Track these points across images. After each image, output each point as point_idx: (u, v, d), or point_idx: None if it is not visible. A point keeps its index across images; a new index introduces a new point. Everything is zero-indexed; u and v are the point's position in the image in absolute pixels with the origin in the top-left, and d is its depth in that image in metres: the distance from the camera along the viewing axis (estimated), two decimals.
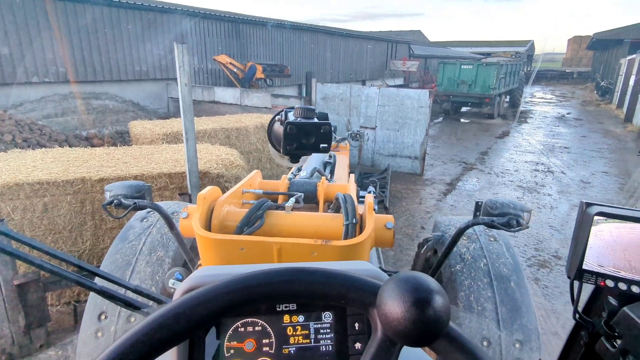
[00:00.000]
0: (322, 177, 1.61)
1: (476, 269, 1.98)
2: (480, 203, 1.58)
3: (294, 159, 1.31)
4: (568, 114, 19.33)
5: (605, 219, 0.80)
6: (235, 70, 11.79)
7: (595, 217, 0.81)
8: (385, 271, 2.24)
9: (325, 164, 2.39)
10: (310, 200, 1.47)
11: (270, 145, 1.45)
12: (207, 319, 0.44)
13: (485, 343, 1.70)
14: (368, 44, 22.39)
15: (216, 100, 9.62)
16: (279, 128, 1.26)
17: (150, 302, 1.12)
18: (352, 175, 1.64)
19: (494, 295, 1.86)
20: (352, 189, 1.39)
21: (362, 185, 6.61)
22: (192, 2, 11.94)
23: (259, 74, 12.01)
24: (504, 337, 1.72)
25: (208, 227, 1.21)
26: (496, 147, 11.91)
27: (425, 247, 2.55)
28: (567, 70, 44.94)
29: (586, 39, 48.51)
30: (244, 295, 0.46)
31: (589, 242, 0.82)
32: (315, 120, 1.22)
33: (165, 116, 9.93)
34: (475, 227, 2.23)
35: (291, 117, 1.25)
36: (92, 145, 7.53)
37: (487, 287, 1.89)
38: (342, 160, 2.98)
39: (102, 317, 1.74)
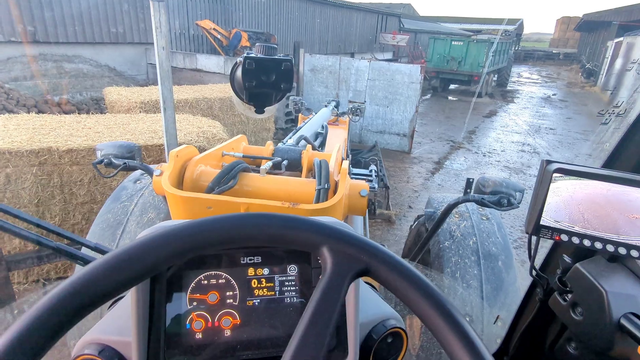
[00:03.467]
0: (308, 145, 1.56)
1: (465, 246, 1.99)
2: (471, 180, 1.58)
3: (259, 107, 1.28)
4: (554, 95, 19.39)
5: (563, 177, 0.83)
6: (219, 36, 11.22)
7: (554, 175, 0.83)
8: None
9: (317, 135, 2.30)
10: (294, 167, 1.43)
11: (234, 95, 1.39)
12: (149, 269, 0.43)
13: (467, 319, 1.67)
14: (358, 15, 21.71)
15: (199, 68, 9.13)
16: (241, 75, 1.22)
17: None
18: (339, 146, 1.60)
19: (480, 273, 1.87)
20: (334, 158, 1.34)
21: (353, 162, 6.43)
22: None
23: (244, 42, 11.45)
24: (486, 313, 1.73)
25: (180, 185, 1.18)
26: (483, 126, 11.85)
27: (417, 222, 2.56)
28: (553, 51, 45.00)
29: (574, 20, 48.53)
30: (198, 241, 0.45)
31: (547, 199, 0.85)
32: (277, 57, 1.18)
33: (144, 83, 9.40)
34: (468, 205, 2.28)
35: (253, 55, 1.22)
36: (64, 112, 7.07)
37: (475, 265, 1.90)
38: (339, 134, 2.88)
39: None
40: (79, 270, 0.47)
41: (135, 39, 9.94)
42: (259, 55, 1.20)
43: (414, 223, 2.64)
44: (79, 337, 0.67)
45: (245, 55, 1.21)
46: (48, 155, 3.49)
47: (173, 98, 3.62)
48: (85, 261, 1.06)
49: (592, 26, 31.04)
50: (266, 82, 1.19)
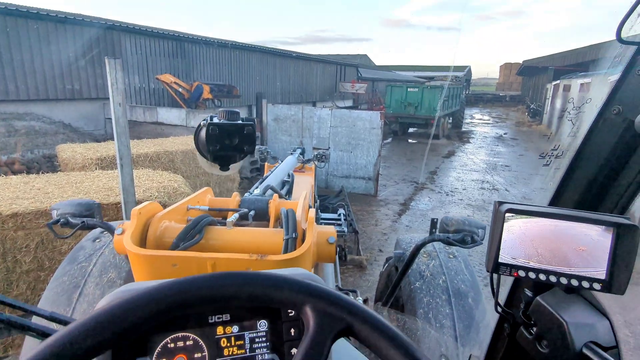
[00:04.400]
0: (275, 194, 1.55)
1: (435, 285, 2.03)
2: (435, 220, 1.64)
3: (223, 166, 1.29)
4: (505, 134, 20.65)
5: (515, 216, 0.87)
6: (180, 90, 11.25)
7: (506, 214, 0.87)
8: (341, 290, 2.06)
9: (284, 183, 2.30)
10: (261, 217, 1.41)
11: (198, 154, 1.39)
12: (130, 330, 0.42)
13: (443, 359, 1.75)
14: (317, 66, 22.68)
15: (160, 121, 9.02)
16: (205, 135, 1.24)
17: None
18: (305, 193, 1.60)
19: (452, 312, 1.89)
20: (301, 206, 1.33)
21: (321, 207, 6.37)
22: (133, 19, 11.33)
23: (206, 94, 11.54)
24: (460, 353, 1.74)
25: (144, 243, 1.15)
26: (444, 166, 12.29)
27: (387, 265, 2.58)
28: (500, 94, 48.61)
29: (515, 66, 53.13)
30: (177, 301, 0.45)
31: (502, 237, 0.88)
32: (239, 122, 1.21)
33: (102, 139, 9.10)
34: (435, 244, 2.33)
35: (216, 120, 1.25)
36: (13, 172, 6.66)
37: (446, 304, 1.93)
38: (306, 181, 2.87)
39: None
40: (42, 342, 0.41)
41: (92, 95, 9.77)
42: (222, 121, 1.22)
43: (385, 265, 2.64)
44: None
45: (208, 121, 1.22)
46: None
47: (130, 154, 3.48)
48: (39, 332, 0.97)
49: (531, 71, 34.05)
50: (229, 145, 1.21)
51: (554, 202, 1.05)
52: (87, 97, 9.67)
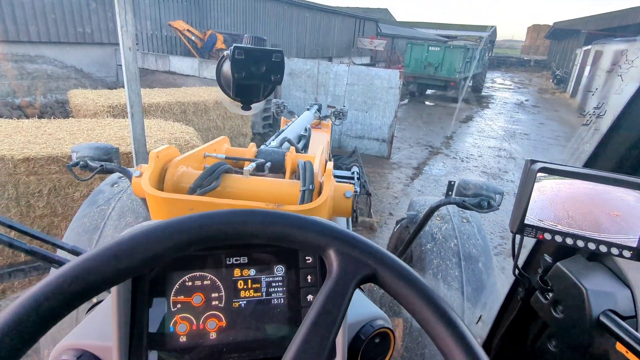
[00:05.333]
0: (292, 147, 1.52)
1: (446, 248, 2.03)
2: (453, 183, 1.61)
3: (245, 103, 1.24)
4: (526, 100, 19.91)
5: (547, 176, 0.84)
6: (193, 38, 10.89)
7: (538, 174, 0.84)
8: None
9: (300, 137, 2.27)
10: (277, 169, 1.39)
11: (220, 90, 1.32)
12: (151, 259, 0.41)
13: None
14: (336, 19, 21.72)
15: (172, 70, 8.82)
16: (228, 68, 1.16)
17: None
18: (322, 147, 1.59)
19: (461, 275, 1.91)
20: (318, 159, 1.31)
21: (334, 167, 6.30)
22: None
23: (220, 44, 11.17)
24: (468, 313, 1.77)
25: (161, 187, 1.15)
26: (460, 131, 11.98)
27: (399, 225, 2.58)
28: (525, 58, 46.44)
29: (545, 28, 50.30)
30: (201, 234, 0.44)
31: (531, 198, 0.86)
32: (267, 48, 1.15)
33: (113, 85, 8.98)
34: (449, 208, 2.32)
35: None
36: (26, 116, 6.65)
37: (455, 267, 1.95)
38: (322, 137, 2.83)
39: None
40: (74, 259, 0.40)
41: (103, 40, 9.53)
42: (248, 46, 1.15)
43: (396, 227, 2.63)
44: (53, 345, 0.63)
45: (235, 44, 1.16)
46: (1, 164, 3.19)
47: (141, 102, 3.38)
48: (61, 264, 0.98)
49: (561, 34, 32.20)
50: (256, 73, 1.13)
51: (589, 164, 1.01)
52: (99, 41, 9.44)
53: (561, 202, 0.84)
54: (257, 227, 0.45)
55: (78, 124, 4.35)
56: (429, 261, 1.99)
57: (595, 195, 0.82)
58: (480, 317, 1.71)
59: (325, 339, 0.39)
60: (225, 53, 1.22)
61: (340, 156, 7.46)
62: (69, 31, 8.80)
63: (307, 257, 0.73)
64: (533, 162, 0.87)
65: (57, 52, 8.67)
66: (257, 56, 1.12)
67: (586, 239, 0.83)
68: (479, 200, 1.46)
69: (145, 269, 0.42)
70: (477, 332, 1.65)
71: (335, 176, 1.94)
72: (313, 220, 0.47)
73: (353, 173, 4.22)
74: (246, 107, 1.26)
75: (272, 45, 9.04)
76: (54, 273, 0.38)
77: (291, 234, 0.46)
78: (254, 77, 1.13)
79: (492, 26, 43.83)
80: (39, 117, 5.10)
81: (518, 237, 0.93)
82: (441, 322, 0.41)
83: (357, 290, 0.86)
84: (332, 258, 0.45)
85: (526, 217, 0.87)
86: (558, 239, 0.85)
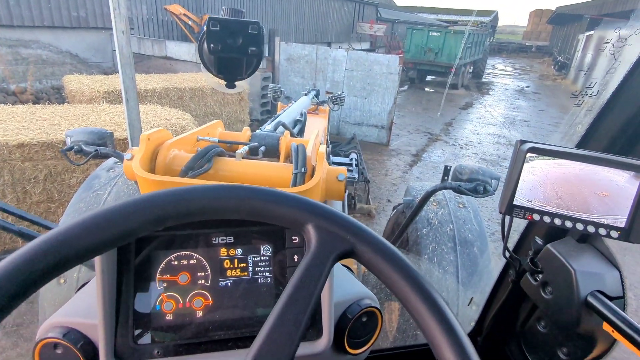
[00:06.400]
0: (286, 131, 1.50)
1: (442, 233, 2.04)
2: (449, 167, 1.62)
3: (230, 82, 1.22)
4: (527, 87, 19.75)
5: (537, 156, 0.84)
6: (190, 23, 10.74)
7: (528, 154, 0.84)
8: None
9: (296, 122, 2.26)
10: (272, 154, 1.39)
11: (203, 69, 1.30)
12: (126, 233, 0.41)
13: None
14: (335, 3, 21.38)
15: (168, 55, 8.72)
16: (206, 37, 1.15)
17: None
18: (317, 131, 1.56)
19: (456, 259, 1.93)
20: (311, 143, 1.30)
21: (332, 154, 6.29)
22: None
23: None
24: (462, 296, 1.79)
25: (153, 170, 1.15)
26: (460, 118, 11.91)
27: (395, 210, 2.60)
28: (526, 44, 45.91)
29: (547, 13, 49.62)
30: (178, 208, 0.43)
31: (520, 178, 0.86)
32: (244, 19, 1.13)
33: (110, 71, 8.87)
34: (446, 193, 2.34)
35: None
36: (21, 102, 6.58)
37: (451, 251, 1.96)
38: (318, 123, 2.83)
39: None
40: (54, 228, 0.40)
41: (99, 24, 9.38)
42: (224, 17, 1.13)
43: (393, 212, 2.65)
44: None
45: (209, 16, 1.14)
46: None
47: (136, 88, 3.34)
48: None
49: (564, 19, 31.76)
50: (232, 45, 1.11)
51: (581, 145, 1.01)
52: (94, 26, 9.30)
53: (550, 183, 0.84)
54: (235, 202, 0.45)
55: (73, 109, 4.31)
56: (425, 246, 2.00)
57: (584, 176, 0.82)
58: (471, 299, 1.74)
59: (301, 314, 0.39)
60: (204, 27, 1.19)
61: (338, 143, 7.43)
62: (64, 15, 8.66)
63: (293, 237, 0.73)
64: (523, 142, 0.86)
65: (52, 37, 8.54)
66: (233, 28, 1.10)
67: (574, 220, 0.83)
68: (474, 185, 1.47)
69: (120, 243, 0.41)
70: (469, 314, 1.69)
71: (334, 163, 1.92)
72: (291, 195, 0.47)
73: (351, 160, 4.19)
74: (230, 84, 1.23)
75: (270, 31, 8.89)
76: (23, 247, 0.37)
77: (269, 209, 0.45)
78: (230, 50, 1.11)
79: (494, 11, 43.18)
80: (34, 103, 5.05)
81: (508, 219, 0.93)
82: (418, 295, 0.41)
83: (345, 270, 0.88)
84: (311, 233, 0.45)
85: (515, 197, 0.87)
86: (546, 219, 0.85)
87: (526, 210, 0.87)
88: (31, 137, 3.33)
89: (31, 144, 3.30)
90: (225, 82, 1.22)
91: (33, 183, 3.42)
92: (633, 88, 0.90)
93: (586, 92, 1.12)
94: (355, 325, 0.74)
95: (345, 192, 1.24)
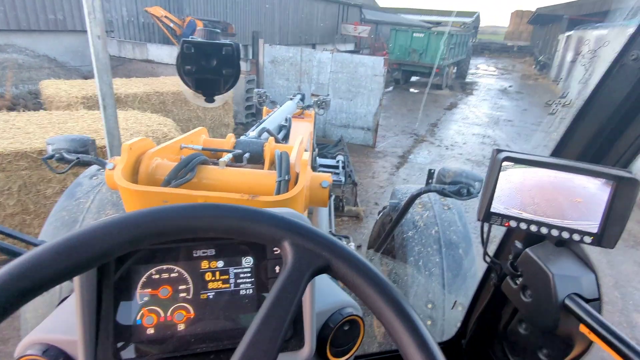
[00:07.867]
0: (270, 137, 1.50)
1: (427, 235, 2.06)
2: (432, 171, 1.65)
3: (208, 96, 1.22)
4: (510, 87, 20.04)
5: (513, 165, 0.86)
6: (172, 25, 10.59)
7: (504, 163, 0.86)
8: (335, 235, 2.08)
9: (281, 128, 2.26)
10: (256, 160, 1.40)
11: (182, 83, 1.31)
12: (100, 255, 0.41)
13: (429, 305, 1.82)
14: (319, 5, 21.37)
15: (150, 59, 8.56)
16: (180, 59, 1.17)
17: None
18: (301, 137, 1.55)
19: (441, 261, 1.95)
20: (296, 150, 1.30)
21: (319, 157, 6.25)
22: None
23: None
24: (447, 300, 1.81)
25: (135, 180, 1.14)
26: (445, 118, 12.00)
27: (382, 213, 2.60)
28: (508, 44, 46.67)
29: (528, 14, 50.56)
30: (152, 229, 0.43)
31: (497, 186, 0.88)
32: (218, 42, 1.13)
33: (89, 75, 8.66)
34: (431, 196, 2.35)
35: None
36: None
37: (436, 253, 1.98)
38: (304, 127, 2.80)
39: None
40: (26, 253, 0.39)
41: (77, 27, 9.16)
42: (198, 39, 1.14)
43: (379, 214, 2.66)
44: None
45: (183, 39, 1.15)
46: None
47: (113, 94, 3.24)
48: None
49: (544, 19, 32.37)
50: (207, 67, 1.12)
51: (556, 153, 1.03)
52: (72, 29, 9.07)
53: (527, 190, 0.86)
54: (211, 220, 0.45)
55: (49, 116, 4.17)
56: (411, 248, 2.02)
57: (559, 183, 0.84)
58: (455, 303, 1.77)
59: (277, 330, 0.39)
60: (179, 49, 1.20)
61: (326, 145, 7.39)
62: (40, 18, 8.42)
63: (274, 248, 0.73)
64: (499, 151, 0.89)
65: (28, 41, 8.30)
66: (207, 50, 1.09)
67: (550, 226, 0.86)
68: (458, 188, 1.49)
69: (96, 264, 0.41)
70: (454, 317, 1.72)
71: (321, 165, 1.90)
72: (267, 213, 0.47)
73: (338, 162, 4.14)
74: (209, 99, 1.24)
75: (254, 33, 8.78)
76: (29, 252, 0.38)
77: (245, 227, 0.46)
78: (205, 72, 1.11)
79: (476, 12, 43.79)
80: (10, 110, 4.88)
81: (487, 225, 0.95)
82: (391, 309, 0.41)
83: (328, 279, 0.87)
84: (287, 250, 0.45)
85: (492, 205, 0.89)
86: (523, 226, 0.87)
87: (503, 217, 0.89)
88: (4, 147, 3.20)
89: (4, 154, 3.17)
90: (205, 97, 1.22)
91: (7, 195, 3.29)
92: (603, 99, 0.92)
93: (559, 101, 1.14)
94: (338, 334, 0.74)
95: (330, 197, 1.24)
